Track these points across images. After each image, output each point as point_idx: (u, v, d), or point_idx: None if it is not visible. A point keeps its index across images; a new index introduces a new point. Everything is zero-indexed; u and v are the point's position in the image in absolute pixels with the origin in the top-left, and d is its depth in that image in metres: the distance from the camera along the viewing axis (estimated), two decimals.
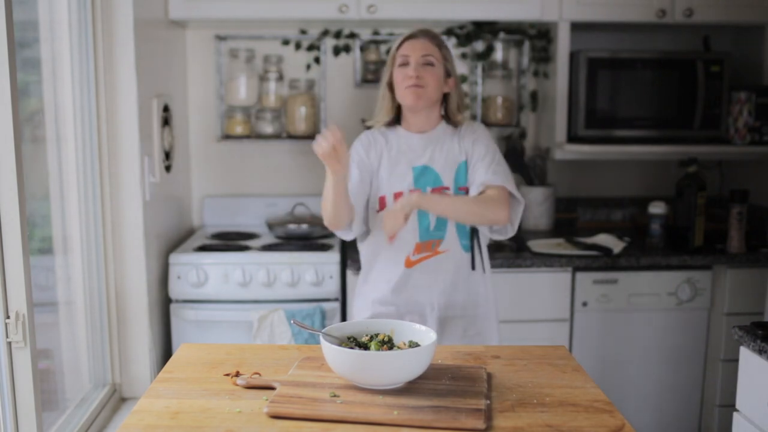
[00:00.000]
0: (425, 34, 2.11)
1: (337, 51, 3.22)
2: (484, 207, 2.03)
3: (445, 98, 2.16)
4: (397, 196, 2.09)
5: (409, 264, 2.12)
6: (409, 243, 2.11)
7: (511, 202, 2.09)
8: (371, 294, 2.18)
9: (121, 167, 2.50)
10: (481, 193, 2.05)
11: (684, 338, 2.86)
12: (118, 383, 2.58)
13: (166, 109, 2.82)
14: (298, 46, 3.22)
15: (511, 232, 2.13)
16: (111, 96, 2.47)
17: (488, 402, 1.36)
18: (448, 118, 2.17)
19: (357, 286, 2.27)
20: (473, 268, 2.15)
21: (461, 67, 3.27)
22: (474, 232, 2.14)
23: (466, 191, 2.11)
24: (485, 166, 2.08)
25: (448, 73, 2.13)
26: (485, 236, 2.17)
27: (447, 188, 2.10)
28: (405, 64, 2.08)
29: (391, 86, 2.13)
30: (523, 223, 3.24)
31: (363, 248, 2.23)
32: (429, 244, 2.11)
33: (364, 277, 2.23)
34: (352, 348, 1.43)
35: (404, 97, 2.08)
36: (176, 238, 3.04)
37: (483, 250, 2.18)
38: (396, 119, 2.18)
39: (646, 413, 2.89)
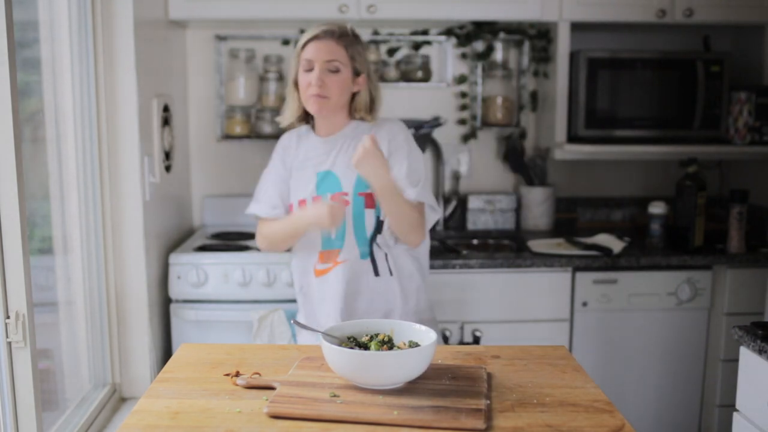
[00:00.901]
0: (330, 34, 1.98)
1: None
2: (415, 227, 1.98)
3: (353, 97, 2.05)
4: (302, 203, 2.04)
5: (318, 274, 2.07)
6: (312, 252, 2.06)
7: (427, 211, 2.02)
8: (300, 311, 2.17)
9: (121, 167, 2.50)
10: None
11: (684, 338, 2.86)
12: (118, 383, 2.58)
13: (166, 109, 2.82)
14: None
15: (422, 239, 2.05)
16: (111, 96, 2.47)
17: (488, 402, 1.36)
18: (356, 118, 2.07)
19: None
20: (377, 274, 2.04)
21: (461, 67, 3.28)
22: (373, 238, 2.03)
23: (368, 197, 2.00)
24: (408, 180, 1.98)
25: (358, 72, 2.02)
26: (389, 240, 2.05)
27: (345, 194, 2.01)
28: (309, 69, 1.97)
29: (297, 85, 2.03)
30: (523, 223, 3.26)
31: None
32: (332, 253, 2.04)
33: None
34: (352, 348, 1.43)
35: (307, 104, 2.01)
36: (176, 238, 3.04)
37: (389, 253, 2.04)
38: (307, 118, 2.11)
39: (646, 413, 2.89)
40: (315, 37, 1.97)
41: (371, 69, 2.06)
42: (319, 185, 2.03)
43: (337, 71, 1.96)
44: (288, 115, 2.08)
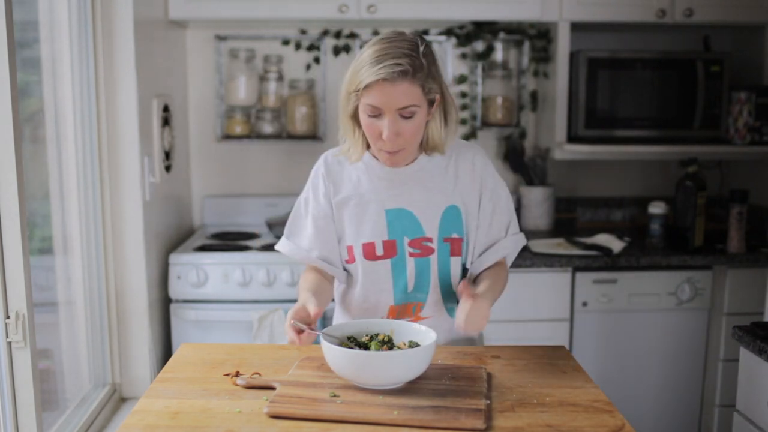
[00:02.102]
0: (404, 75, 1.51)
1: (336, 51, 3.22)
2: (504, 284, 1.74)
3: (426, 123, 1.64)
4: (366, 247, 1.67)
5: None
6: (381, 306, 1.69)
7: (517, 246, 1.78)
8: None
9: (121, 167, 2.50)
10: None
11: (684, 338, 2.86)
12: (118, 383, 2.58)
13: (166, 109, 2.82)
14: (298, 46, 3.22)
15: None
16: (111, 96, 2.47)
17: (488, 402, 1.36)
18: (427, 147, 1.68)
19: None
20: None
21: (461, 67, 3.27)
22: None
23: (454, 242, 1.69)
24: (506, 226, 1.74)
25: (433, 101, 1.60)
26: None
27: (429, 239, 1.67)
28: (376, 116, 1.56)
29: (356, 118, 1.62)
30: (523, 223, 3.25)
31: (336, 298, 1.83)
32: (407, 308, 1.69)
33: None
34: (352, 348, 1.43)
35: (378, 155, 1.64)
36: (176, 238, 3.04)
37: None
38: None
39: (646, 413, 2.89)
40: (385, 79, 1.50)
41: (445, 85, 1.63)
42: (392, 226, 1.66)
43: (411, 116, 1.55)
44: (354, 155, 1.67)
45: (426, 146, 1.67)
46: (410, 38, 1.57)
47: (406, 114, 1.54)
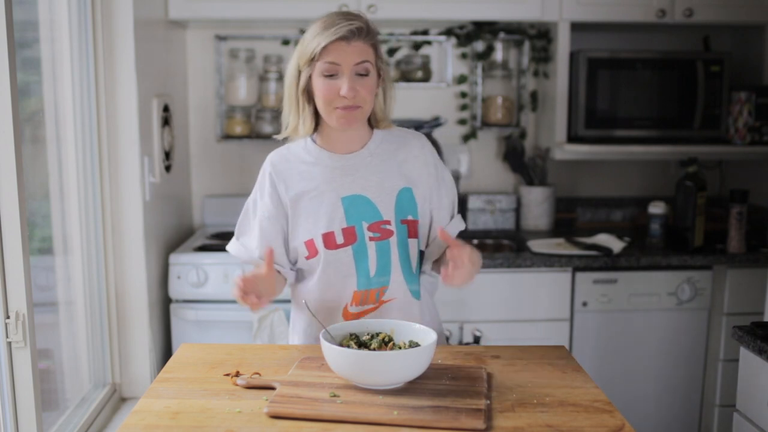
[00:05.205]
0: (359, 33, 1.60)
1: None
2: None
3: None
4: (326, 237, 1.67)
5: (348, 317, 1.69)
6: (346, 292, 1.69)
7: (459, 221, 1.82)
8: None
9: (121, 167, 2.50)
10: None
11: (684, 338, 2.86)
12: (118, 383, 2.58)
13: (166, 109, 2.82)
14: None
15: None
16: (111, 96, 2.47)
17: (488, 402, 1.36)
18: (375, 121, 1.74)
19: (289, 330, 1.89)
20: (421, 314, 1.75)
21: (461, 67, 3.27)
22: (418, 273, 1.76)
23: (410, 224, 1.70)
24: (452, 212, 1.79)
25: (379, 73, 1.68)
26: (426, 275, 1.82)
27: (387, 222, 1.68)
28: (331, 75, 1.61)
29: (307, 94, 1.66)
30: (523, 223, 3.26)
31: (292, 291, 1.85)
32: (371, 293, 1.69)
33: (293, 325, 1.87)
34: (351, 348, 1.43)
35: (331, 117, 1.64)
36: (176, 238, 3.04)
37: (426, 293, 1.81)
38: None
39: (646, 413, 2.89)
40: (342, 38, 1.59)
41: (386, 65, 1.74)
42: (349, 213, 1.68)
43: (366, 74, 1.63)
44: (303, 130, 1.69)
45: (374, 121, 1.73)
46: (356, 13, 1.67)
47: (361, 71, 1.61)
